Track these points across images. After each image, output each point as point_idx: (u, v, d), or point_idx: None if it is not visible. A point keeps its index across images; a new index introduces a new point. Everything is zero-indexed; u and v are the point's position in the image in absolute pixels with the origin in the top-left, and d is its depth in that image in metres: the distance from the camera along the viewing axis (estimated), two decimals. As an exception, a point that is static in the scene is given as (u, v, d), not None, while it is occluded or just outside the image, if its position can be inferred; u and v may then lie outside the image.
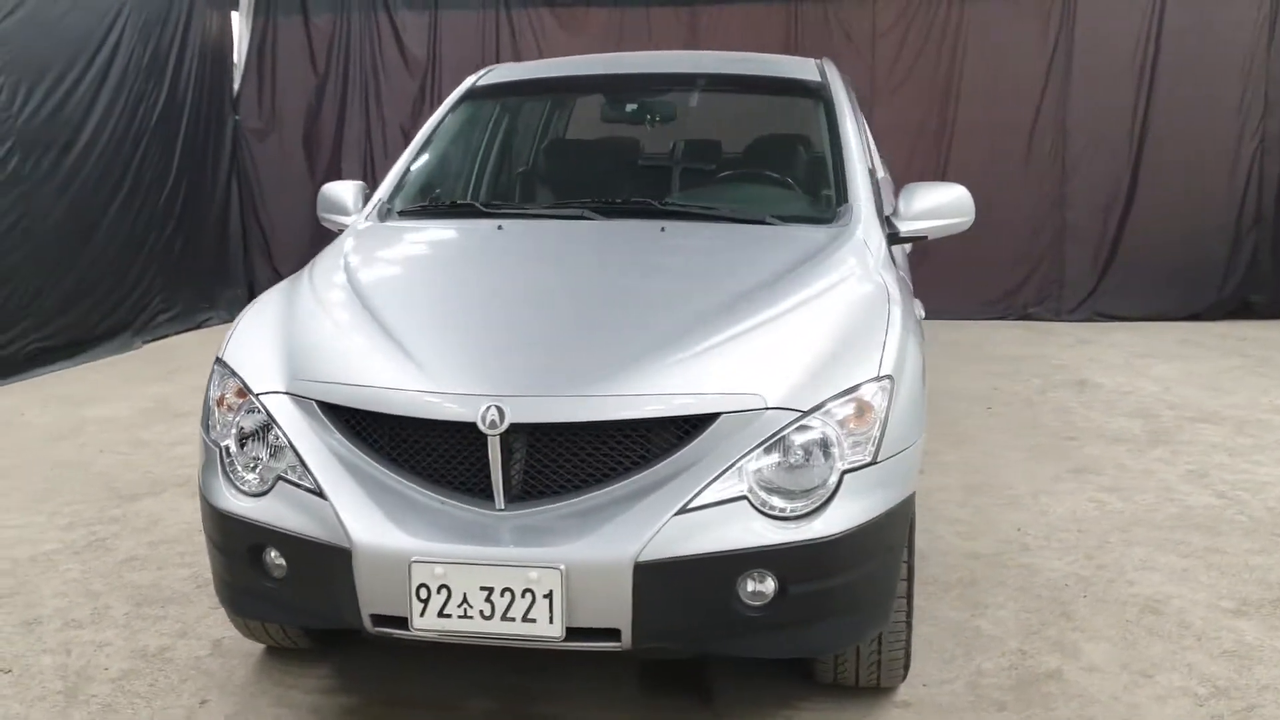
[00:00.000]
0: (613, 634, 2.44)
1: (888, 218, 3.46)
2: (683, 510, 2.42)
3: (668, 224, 3.32)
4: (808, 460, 2.49)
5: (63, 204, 7.31)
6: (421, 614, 2.44)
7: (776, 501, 2.46)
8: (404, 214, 3.59)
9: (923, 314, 3.62)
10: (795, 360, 2.60)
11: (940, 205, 3.46)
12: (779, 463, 2.48)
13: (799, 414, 2.50)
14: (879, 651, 2.82)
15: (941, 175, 8.72)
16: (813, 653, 2.71)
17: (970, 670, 3.17)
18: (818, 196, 3.53)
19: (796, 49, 8.84)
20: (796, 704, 2.98)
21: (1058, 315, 8.76)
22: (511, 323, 2.82)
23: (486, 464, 2.47)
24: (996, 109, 8.70)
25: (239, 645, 3.26)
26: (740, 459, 2.46)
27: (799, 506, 2.47)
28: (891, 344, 2.71)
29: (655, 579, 2.39)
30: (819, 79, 3.84)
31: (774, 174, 3.94)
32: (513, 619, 2.42)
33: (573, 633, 2.43)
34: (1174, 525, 4.28)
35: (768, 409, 2.50)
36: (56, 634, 3.38)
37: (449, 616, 2.43)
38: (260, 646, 3.25)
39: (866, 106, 8.59)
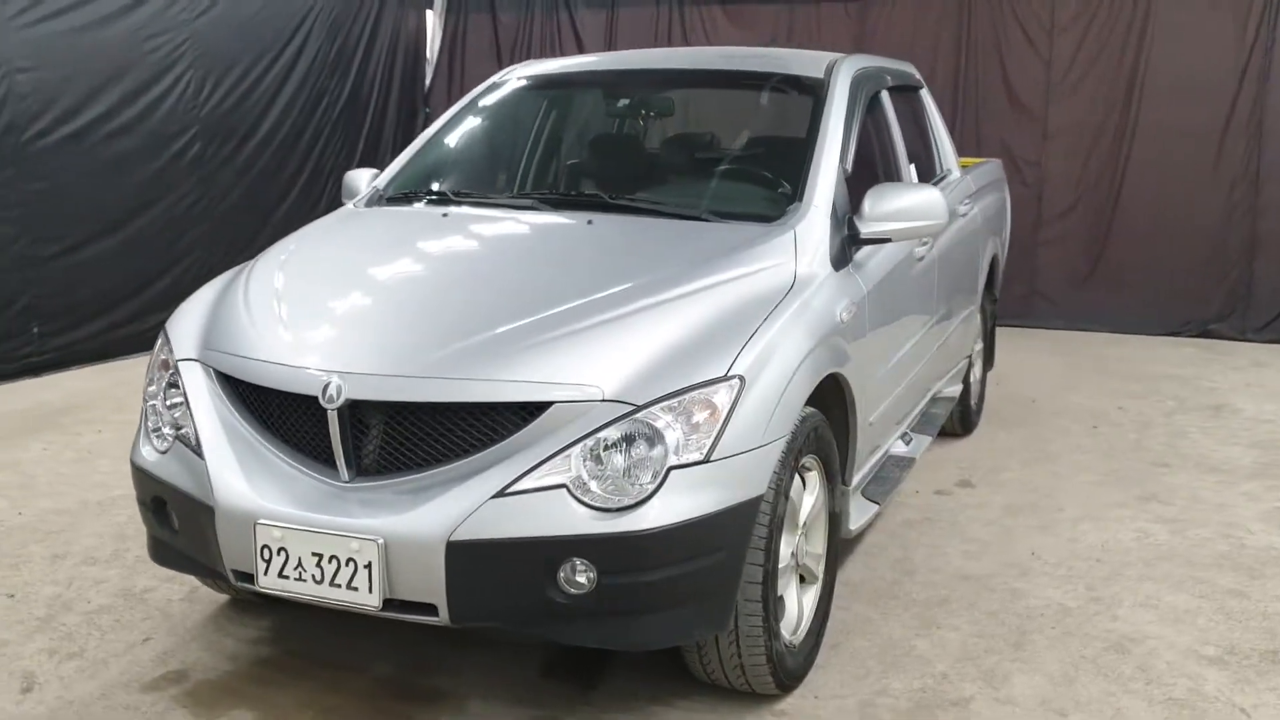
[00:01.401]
0: (430, 609, 2.56)
1: (850, 218, 3.39)
2: (501, 494, 2.51)
3: (599, 217, 3.39)
4: (632, 453, 2.52)
5: (240, 188, 7.98)
6: (265, 573, 2.64)
7: (598, 491, 2.51)
8: (391, 200, 3.80)
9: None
10: (643, 355, 2.64)
11: (907, 208, 3.36)
12: (604, 454, 2.52)
13: (632, 408, 2.54)
14: (739, 655, 2.80)
15: (1120, 179, 8.29)
16: (633, 645, 2.74)
17: (873, 689, 3.09)
18: (773, 194, 3.50)
19: (968, 44, 8.59)
20: (672, 700, 3.00)
21: (1242, 333, 8.09)
22: (387, 305, 2.98)
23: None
24: (1183, 110, 8.11)
25: (209, 595, 3.57)
26: (567, 447, 2.52)
27: (620, 498, 2.51)
28: (757, 344, 2.71)
29: (468, 558, 2.50)
30: (819, 77, 3.78)
31: (740, 169, 3.92)
32: (338, 585, 2.58)
33: (391, 604, 2.57)
34: (1211, 564, 3.97)
35: (602, 400, 2.55)
36: (70, 569, 3.80)
37: (287, 578, 2.62)
38: (224, 597, 3.54)
39: (1040, 105, 8.29)
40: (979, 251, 5.09)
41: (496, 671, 3.15)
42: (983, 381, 5.78)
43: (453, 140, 4.07)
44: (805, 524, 3.07)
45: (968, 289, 4.93)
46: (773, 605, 2.81)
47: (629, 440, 2.52)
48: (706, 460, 2.54)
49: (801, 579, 3.15)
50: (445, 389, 2.58)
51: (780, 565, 2.88)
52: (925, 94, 5.01)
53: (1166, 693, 3.08)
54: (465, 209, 3.62)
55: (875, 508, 3.62)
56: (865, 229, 3.36)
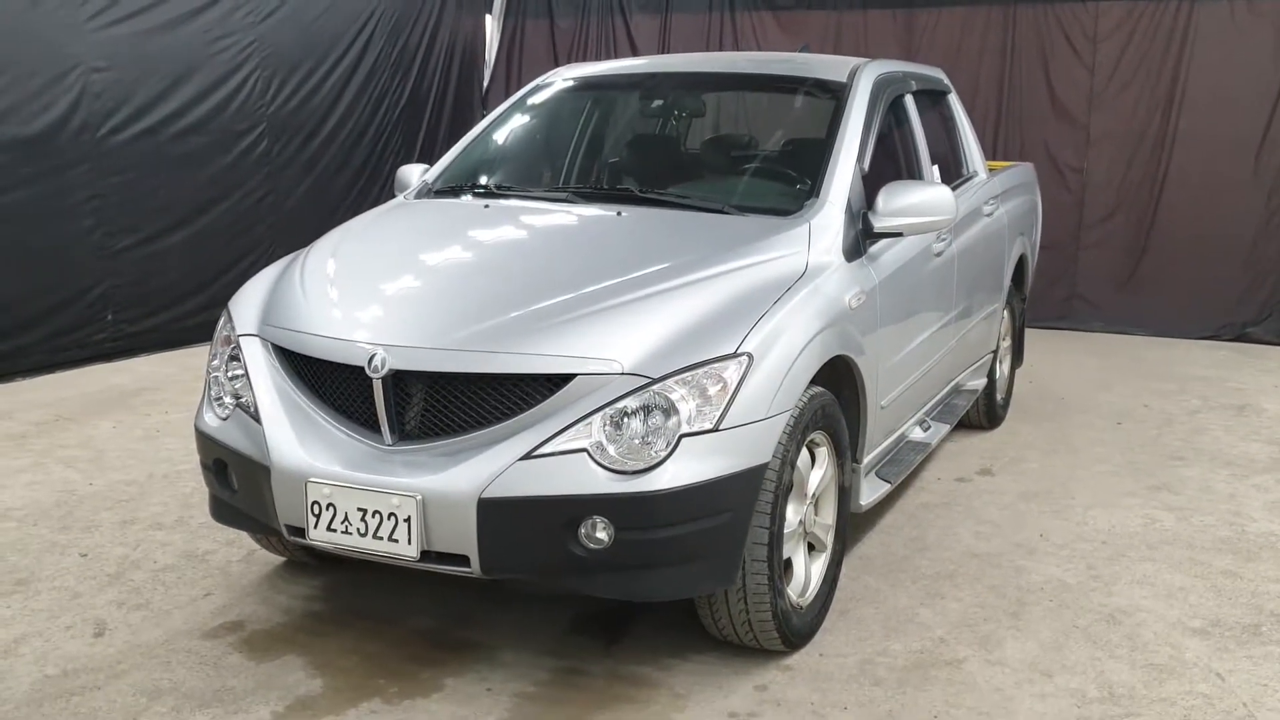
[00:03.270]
0: (463, 560, 2.84)
1: (865, 214, 3.64)
2: (528, 456, 2.79)
3: (629, 209, 3.67)
4: (648, 421, 2.79)
5: (305, 184, 8.36)
6: (315, 527, 2.94)
7: (615, 455, 2.78)
8: (438, 193, 4.11)
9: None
10: (660, 332, 2.91)
11: (917, 204, 3.60)
12: (622, 421, 2.80)
13: (648, 380, 2.81)
14: (746, 611, 3.06)
15: (1160, 185, 8.41)
16: (648, 596, 2.99)
17: (874, 649, 3.33)
18: (792, 190, 3.75)
19: (1013, 51, 8.75)
20: (688, 655, 3.26)
21: (1278, 337, 8.19)
22: (428, 285, 3.28)
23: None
24: (1222, 119, 8.23)
25: (265, 557, 3.89)
26: (589, 415, 2.80)
27: (636, 462, 2.78)
28: (767, 325, 2.97)
29: (497, 514, 2.78)
30: (843, 80, 4.03)
31: (763, 167, 4.18)
32: (381, 538, 2.87)
33: (428, 555, 2.86)
34: (1211, 548, 4.16)
35: (621, 374, 2.82)
36: (139, 533, 4.15)
37: (334, 531, 2.92)
38: (280, 560, 3.86)
39: (1083, 111, 8.43)
40: (1004, 250, 5.30)
41: (527, 626, 3.43)
42: (1010, 378, 5.97)
43: (499, 137, 4.37)
44: (814, 495, 3.32)
45: (991, 286, 5.14)
46: (778, 565, 3.06)
47: (645, 410, 2.79)
48: (715, 429, 2.80)
49: (811, 547, 3.39)
50: (479, 361, 2.86)
51: (787, 530, 3.13)
52: (953, 98, 5.23)
53: (1149, 658, 3.29)
54: (506, 201, 3.92)
55: (886, 486, 3.85)
56: (878, 223, 3.61)
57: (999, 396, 5.71)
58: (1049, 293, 8.34)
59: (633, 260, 3.24)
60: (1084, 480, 4.92)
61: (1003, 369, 5.75)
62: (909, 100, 4.41)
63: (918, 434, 4.39)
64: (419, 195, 4.12)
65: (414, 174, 4.26)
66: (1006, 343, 5.80)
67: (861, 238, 3.60)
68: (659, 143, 4.67)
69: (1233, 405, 6.29)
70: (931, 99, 4.91)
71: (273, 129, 8.07)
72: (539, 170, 4.39)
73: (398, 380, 2.90)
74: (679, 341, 2.88)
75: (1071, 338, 8.15)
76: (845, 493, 3.50)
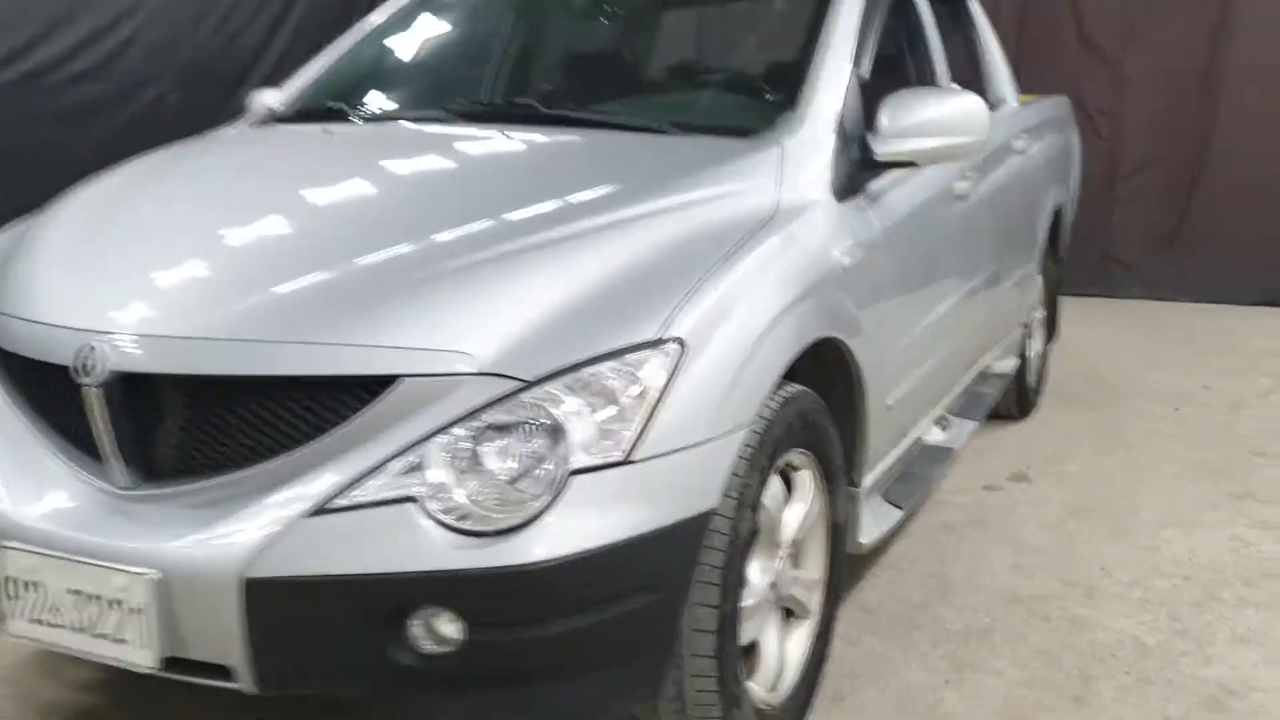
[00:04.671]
0: (223, 671, 1.80)
1: (861, 137, 2.57)
2: (323, 509, 1.75)
3: (523, 131, 2.61)
4: (517, 451, 1.75)
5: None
6: (15, 614, 1.91)
7: (466, 506, 1.74)
8: (283, 119, 3.04)
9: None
10: (538, 309, 1.86)
11: (936, 120, 2.55)
12: (476, 452, 1.75)
13: (518, 385, 1.77)
14: (684, 726, 2.02)
15: (1206, 129, 7.31)
16: None
17: (881, 763, 2.29)
18: (758, 102, 2.69)
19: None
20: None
21: (1345, 303, 7.11)
22: (190, 245, 2.18)
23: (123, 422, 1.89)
24: (1277, 51, 7.12)
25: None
26: (420, 442, 1.75)
27: (498, 517, 1.74)
28: (709, 294, 1.92)
29: (275, 603, 1.75)
30: None
31: (720, 77, 3.11)
32: (104, 636, 1.83)
33: (174, 663, 1.82)
34: (1331, 584, 3.10)
35: (474, 374, 1.77)
36: None
37: (40, 623, 1.88)
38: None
39: (1116, 46, 7.30)
40: (1039, 199, 4.23)
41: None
42: (1044, 356, 4.91)
43: (379, 45, 3.29)
44: (793, 542, 2.27)
45: (1024, 244, 4.07)
46: (733, 658, 2.02)
47: (513, 432, 1.75)
48: (627, 461, 1.77)
49: (788, 613, 2.35)
50: (248, 356, 1.82)
51: (749, 602, 2.09)
52: (975, 6, 4.14)
53: (1285, 775, 2.24)
54: (358, 126, 2.84)
55: (898, 514, 2.82)
56: (882, 148, 2.55)
57: (1031, 379, 4.66)
58: (1079, 255, 7.16)
59: (512, 199, 2.18)
60: (1147, 486, 3.86)
61: (1035, 346, 4.69)
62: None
63: (936, 436, 3.34)
64: (258, 123, 3.04)
65: (266, 99, 3.19)
66: (1040, 314, 4.73)
67: (858, 169, 2.54)
68: (580, 48, 3.58)
69: (1310, 384, 5.21)
70: (948, 6, 3.82)
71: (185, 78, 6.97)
72: (420, 86, 3.30)
73: (132, 387, 1.85)
74: (567, 323, 1.85)
75: (1106, 306, 7.07)
76: (838, 531, 2.46)
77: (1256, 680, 2.60)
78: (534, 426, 1.76)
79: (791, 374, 2.15)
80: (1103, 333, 6.21)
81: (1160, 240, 7.49)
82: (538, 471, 1.75)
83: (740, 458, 1.96)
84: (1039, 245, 4.30)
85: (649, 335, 1.84)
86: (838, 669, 2.60)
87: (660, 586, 1.84)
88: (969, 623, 2.88)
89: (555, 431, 1.76)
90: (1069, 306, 6.12)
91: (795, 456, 2.25)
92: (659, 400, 1.81)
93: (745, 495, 1.98)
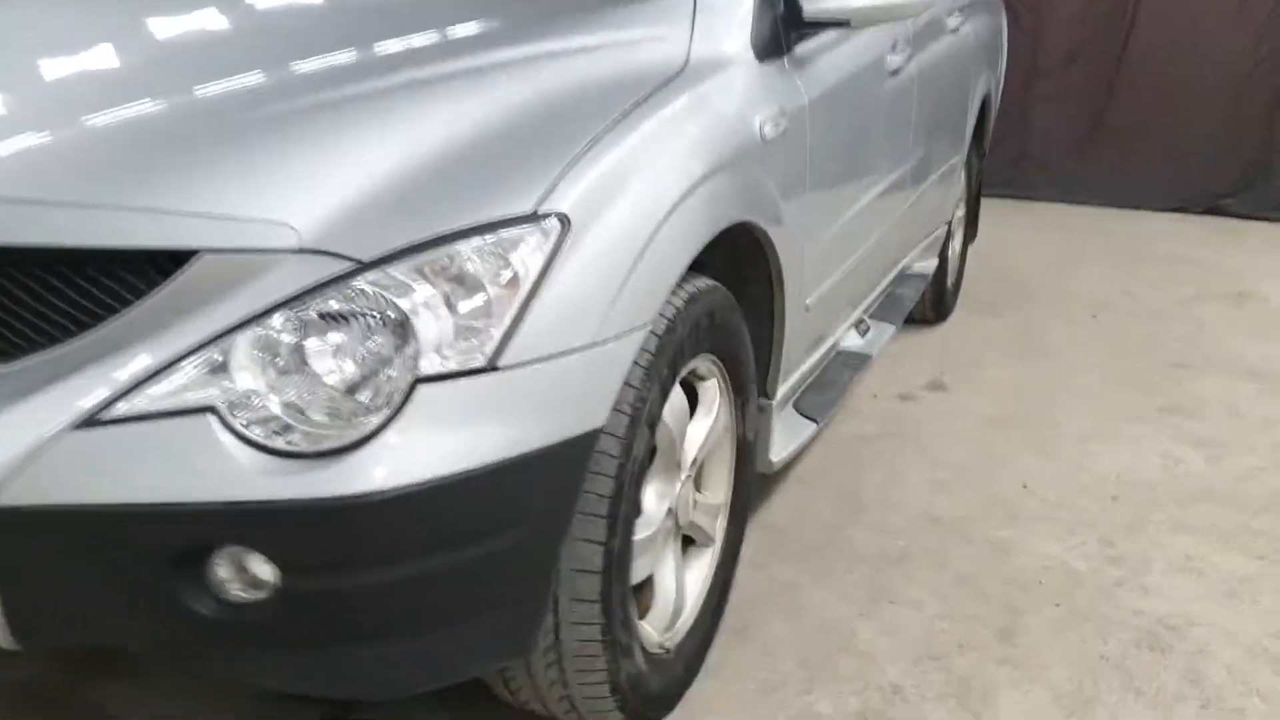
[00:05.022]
0: (-30, 622, 1.41)
1: (790, -11, 2.19)
2: (93, 421, 1.35)
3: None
4: (351, 351, 1.37)
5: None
6: None
7: (282, 420, 1.35)
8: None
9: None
10: (381, 170, 1.46)
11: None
12: (297, 349, 1.36)
13: (352, 265, 1.37)
14: (565, 685, 1.69)
15: (1129, 25, 7.03)
16: (356, 691, 1.60)
17: (791, 715, 2.00)
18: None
19: None
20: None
21: (1256, 211, 6.94)
22: None
23: None
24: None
25: None
26: (222, 336, 1.36)
27: (326, 435, 1.36)
28: (600, 161, 1.54)
29: (31, 539, 1.36)
30: None
31: None
32: None
33: (-90, 611, 1.42)
34: (1267, 507, 2.90)
35: (295, 251, 1.37)
36: None
37: None
38: None
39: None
40: (970, 83, 3.89)
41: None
42: (963, 257, 4.63)
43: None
44: (695, 463, 1.94)
45: (954, 131, 3.75)
46: (623, 604, 1.70)
47: (345, 326, 1.36)
48: (492, 367, 1.40)
49: (688, 540, 2.02)
50: (2, 221, 1.39)
51: (643, 534, 1.76)
52: None
53: (1231, 724, 2.01)
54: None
55: (813, 427, 2.51)
56: (811, 5, 2.16)
57: (949, 281, 4.37)
58: (994, 153, 6.95)
59: (360, 35, 1.76)
60: (1069, 397, 3.62)
61: (955, 246, 4.40)
62: None
63: (853, 341, 3.03)
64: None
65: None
66: (960, 211, 4.43)
67: (783, 27, 2.16)
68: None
69: (1230, 294, 5.04)
70: None
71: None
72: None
73: None
74: (424, 190, 1.46)
75: (1020, 207, 6.83)
76: (747, 448, 2.13)
77: (1197, 615, 2.37)
78: (373, 320, 1.38)
79: (699, 266, 1.79)
80: (1016, 235, 5.97)
81: (1077, 141, 7.25)
82: (377, 378, 1.37)
83: (636, 365, 1.61)
84: (967, 134, 3.98)
85: (524, 208, 1.46)
86: (742, 597, 2.31)
87: (533, 521, 1.50)
88: (884, 546, 2.61)
89: (401, 327, 1.39)
90: (983, 206, 5.84)
91: (701, 364, 1.91)
92: (534, 291, 1.44)
93: (641, 411, 1.63)
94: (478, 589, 1.48)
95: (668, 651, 1.93)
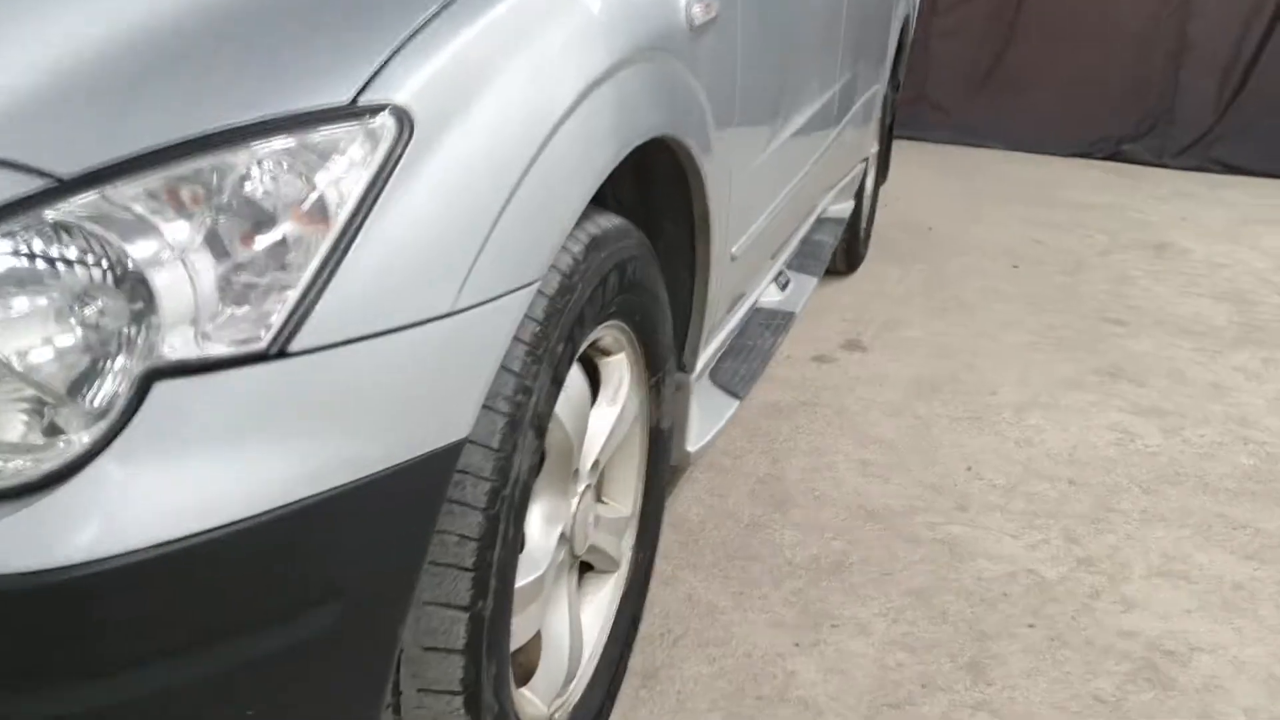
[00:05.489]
0: None
1: None
2: None
3: None
4: (45, 324, 0.79)
5: None
6: None
7: None
8: None
9: None
10: (94, 35, 0.87)
11: None
12: None
13: (47, 183, 0.80)
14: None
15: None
16: None
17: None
18: None
19: None
20: None
21: (1159, 157, 6.69)
22: None
23: None
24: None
25: None
26: None
27: (2, 465, 0.78)
28: (460, 32, 0.99)
29: None
30: None
31: None
32: None
33: None
34: (1240, 490, 2.51)
35: None
36: None
37: None
38: None
39: None
40: (893, 3, 3.39)
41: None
42: (875, 200, 4.18)
43: None
44: (597, 467, 1.41)
45: (878, 54, 3.28)
46: (497, 690, 1.15)
47: (33, 285, 0.78)
48: (281, 353, 0.85)
49: (584, 568, 1.50)
50: None
51: (532, 579, 1.24)
52: None
53: (1268, 789, 1.59)
54: None
55: (735, 404, 2.00)
56: None
57: (862, 225, 3.91)
58: (892, 92, 6.56)
59: None
60: (999, 360, 3.20)
61: (868, 186, 3.94)
62: None
63: (771, 297, 2.53)
64: None
65: None
66: (874, 148, 3.97)
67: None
68: None
69: (1148, 244, 4.71)
70: None
71: None
72: None
73: None
74: (168, 67, 0.87)
75: (918, 149, 6.44)
76: (662, 440, 1.61)
77: (1195, 635, 1.95)
78: (82, 273, 0.81)
79: (599, 199, 1.25)
80: (917, 179, 5.57)
81: (976, 82, 6.91)
82: (87, 369, 0.81)
83: (518, 341, 1.07)
84: (889, 60, 3.50)
85: (337, 98, 0.90)
86: (650, 625, 1.81)
87: (354, 590, 0.95)
88: (817, 551, 2.13)
89: (130, 287, 0.82)
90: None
91: (607, 334, 1.38)
92: (353, 230, 0.89)
93: (524, 408, 1.10)
94: (267, 703, 0.93)
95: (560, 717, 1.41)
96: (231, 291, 0.86)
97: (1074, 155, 6.68)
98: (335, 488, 0.90)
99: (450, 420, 1.00)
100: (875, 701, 1.71)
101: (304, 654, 0.93)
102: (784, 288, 2.62)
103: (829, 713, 1.68)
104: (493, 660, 1.15)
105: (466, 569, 1.07)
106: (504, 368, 1.08)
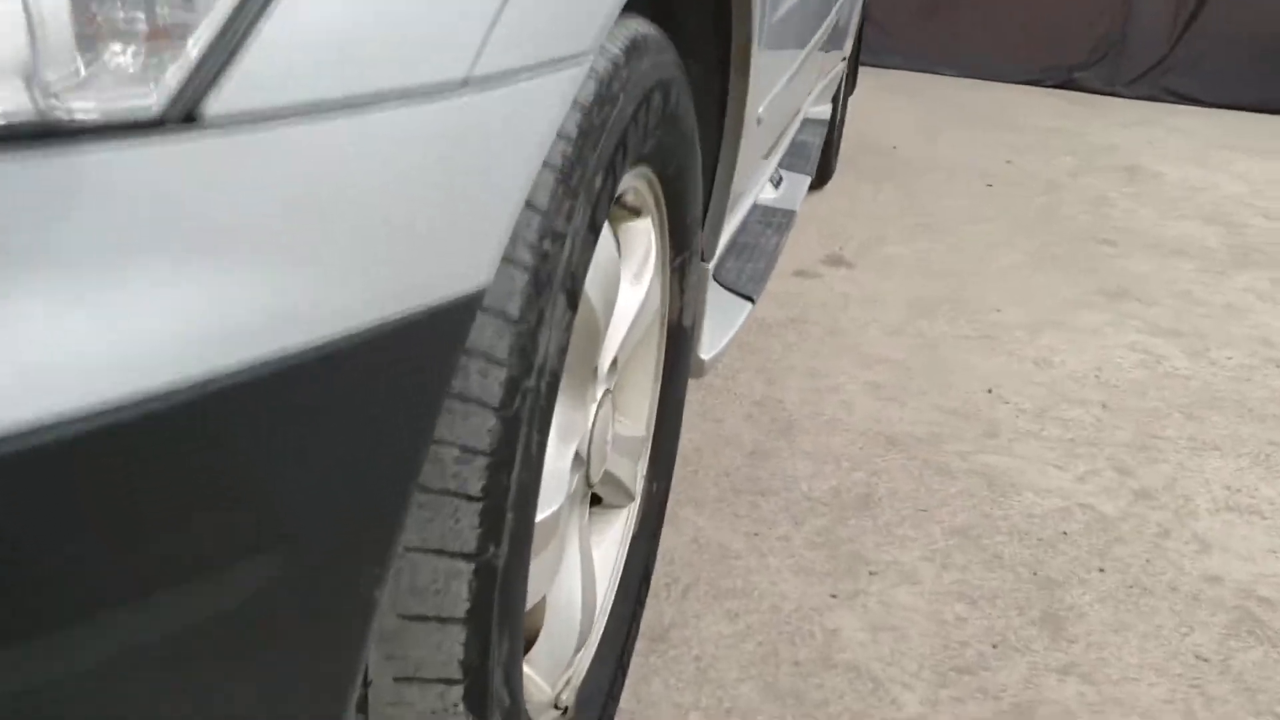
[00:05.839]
0: None
1: None
2: None
3: None
4: None
5: None
6: None
7: None
8: None
9: None
10: None
11: None
12: None
13: None
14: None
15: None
16: None
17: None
18: None
19: None
20: None
21: (1111, 86, 6.45)
22: None
23: None
24: None
25: None
26: None
27: None
28: None
29: None
30: None
31: None
32: None
33: None
34: (1286, 416, 2.22)
35: None
36: None
37: None
38: None
39: None
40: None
41: None
42: (845, 106, 3.83)
43: None
44: (615, 369, 1.03)
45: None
46: (507, 677, 0.77)
47: None
48: (187, 117, 0.44)
49: (594, 501, 1.13)
50: None
51: (546, 515, 0.85)
52: None
53: None
54: None
55: (747, 306, 1.64)
56: None
57: (835, 134, 3.57)
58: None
59: None
60: (993, 279, 2.90)
61: (841, 92, 3.59)
62: None
63: (768, 194, 2.16)
64: None
65: None
66: (850, 47, 3.61)
67: None
68: None
69: (1118, 167, 4.44)
70: None
71: None
72: None
73: None
74: None
75: (866, 74, 6.08)
76: (683, 342, 1.24)
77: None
78: None
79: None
80: (873, 101, 5.24)
81: (923, 7, 6.61)
82: None
83: (547, 168, 0.70)
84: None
85: None
86: (656, 576, 1.44)
87: (307, 530, 0.56)
88: (837, 483, 1.79)
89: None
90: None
91: (637, 184, 1.00)
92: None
93: (553, 262, 0.72)
94: (178, 705, 0.54)
95: (564, 712, 1.05)
96: (98, 25, 0.47)
97: (1025, 83, 6.43)
98: (277, 356, 0.52)
99: (459, 260, 0.62)
100: (940, 666, 1.38)
101: (234, 626, 0.55)
102: (778, 185, 2.26)
103: (888, 681, 1.34)
104: (505, 633, 0.78)
105: (473, 498, 0.70)
106: (528, 203, 0.70)
